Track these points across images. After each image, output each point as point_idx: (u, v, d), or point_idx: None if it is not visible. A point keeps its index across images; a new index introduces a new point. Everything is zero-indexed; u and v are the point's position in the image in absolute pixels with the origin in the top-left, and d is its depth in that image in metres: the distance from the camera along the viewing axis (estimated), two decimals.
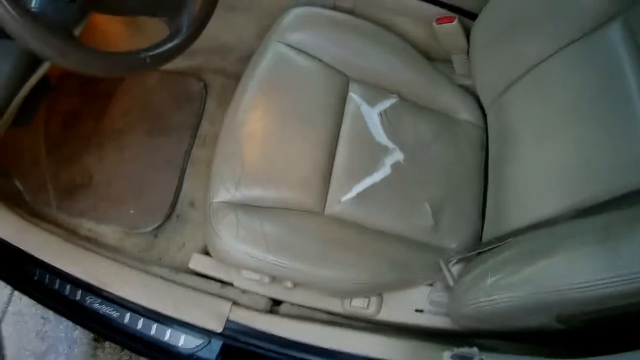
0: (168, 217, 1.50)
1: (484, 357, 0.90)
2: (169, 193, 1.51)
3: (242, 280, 1.29)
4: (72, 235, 1.44)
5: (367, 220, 1.21)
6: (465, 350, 0.93)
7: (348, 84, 1.33)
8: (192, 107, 1.62)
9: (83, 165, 1.56)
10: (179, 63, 1.61)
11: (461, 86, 1.44)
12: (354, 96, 1.31)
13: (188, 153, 1.57)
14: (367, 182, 1.23)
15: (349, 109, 1.29)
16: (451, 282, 1.16)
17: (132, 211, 1.50)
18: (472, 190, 1.32)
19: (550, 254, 0.88)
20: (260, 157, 1.20)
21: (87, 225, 1.50)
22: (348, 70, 1.34)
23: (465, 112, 1.40)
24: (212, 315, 1.20)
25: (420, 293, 1.23)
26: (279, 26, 1.35)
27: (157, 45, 1.01)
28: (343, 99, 1.31)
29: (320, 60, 1.33)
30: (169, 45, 1.02)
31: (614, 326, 0.94)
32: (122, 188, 1.53)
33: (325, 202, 1.21)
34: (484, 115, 1.39)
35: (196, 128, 1.60)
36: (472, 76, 1.39)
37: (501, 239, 1.09)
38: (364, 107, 1.30)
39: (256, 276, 1.23)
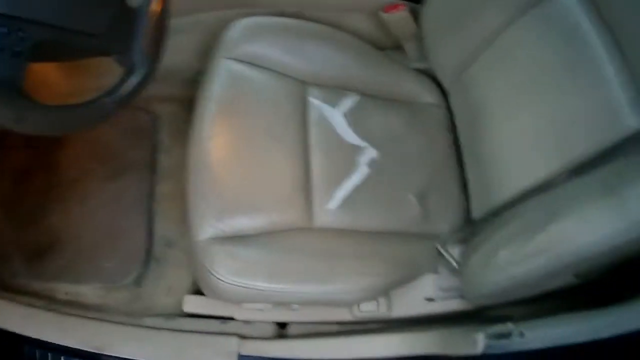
0: (147, 262, 1.41)
1: (522, 329, 0.90)
2: (141, 237, 1.43)
3: (243, 311, 1.25)
4: (51, 302, 1.34)
5: (357, 223, 1.18)
6: (499, 328, 0.93)
7: (306, 90, 1.28)
8: (145, 141, 1.54)
9: (46, 224, 1.45)
10: None
11: (417, 70, 1.42)
12: (315, 101, 1.27)
13: (151, 191, 1.49)
14: (348, 185, 1.20)
15: (312, 115, 1.25)
16: (455, 265, 1.16)
17: (108, 264, 1.41)
18: (450, 171, 1.31)
19: (559, 217, 0.89)
20: (236, 184, 1.14)
21: (64, 289, 1.39)
22: (303, 75, 1.29)
23: (427, 96, 1.38)
24: (222, 355, 1.15)
25: (427, 282, 1.22)
26: (224, 42, 1.27)
27: (118, 87, 0.93)
28: (304, 107, 1.26)
29: (273, 71, 1.27)
30: (130, 84, 0.95)
31: (625, 272, 0.97)
32: (92, 242, 1.43)
33: (312, 215, 1.16)
34: (445, 96, 1.38)
35: (154, 163, 1.52)
36: (427, 58, 1.37)
37: (496, 213, 1.09)
38: (327, 111, 1.26)
39: (259, 305, 1.19)
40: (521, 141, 1.08)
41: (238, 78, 1.24)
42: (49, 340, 1.16)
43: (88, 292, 1.39)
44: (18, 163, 1.51)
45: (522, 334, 0.90)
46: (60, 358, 1.15)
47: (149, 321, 1.27)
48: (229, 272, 1.05)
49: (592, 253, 0.85)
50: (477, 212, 1.21)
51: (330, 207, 1.17)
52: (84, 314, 1.24)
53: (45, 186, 1.49)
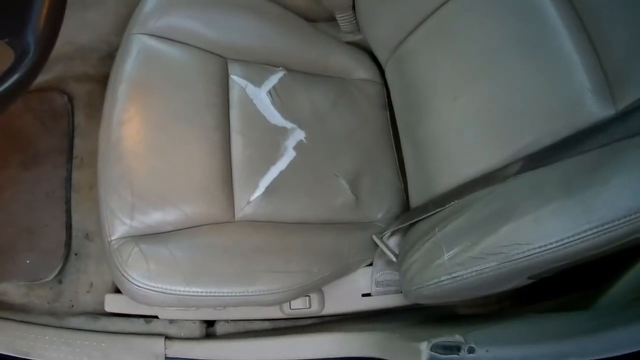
0: (66, 257, 1.28)
1: (473, 344, 0.78)
2: (60, 230, 1.29)
3: (167, 310, 1.12)
4: None
5: (284, 214, 1.05)
6: (445, 339, 0.80)
7: (227, 66, 1.13)
8: (60, 125, 1.37)
9: None
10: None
11: (350, 44, 1.27)
12: (236, 79, 1.11)
13: (68, 179, 1.33)
14: (273, 172, 1.06)
15: (234, 94, 1.10)
16: (393, 258, 1.04)
17: (28, 261, 1.27)
18: (385, 153, 1.19)
19: (514, 216, 0.76)
20: (150, 176, 0.99)
21: None
22: (224, 51, 1.13)
23: (360, 71, 1.24)
24: (148, 357, 1.06)
25: (362, 276, 1.10)
26: (139, 15, 1.10)
27: (4, 79, 0.79)
28: (225, 85, 1.10)
29: (191, 46, 1.10)
30: (18, 74, 0.81)
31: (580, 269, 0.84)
32: (11, 237, 1.29)
33: (234, 207, 1.02)
34: (381, 70, 1.23)
35: (70, 149, 1.36)
36: (362, 31, 1.22)
37: (439, 203, 0.94)
38: (250, 89, 1.11)
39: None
40: (465, 124, 0.94)
41: (152, 55, 1.07)
42: None
43: (11, 290, 1.27)
44: None
45: (472, 350, 0.78)
46: None
47: (73, 322, 1.17)
48: (142, 276, 0.91)
49: (551, 258, 0.72)
50: (415, 199, 1.07)
51: (254, 197, 1.03)
52: (9, 316, 1.15)
53: None
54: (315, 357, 1.02)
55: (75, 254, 1.29)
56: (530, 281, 0.87)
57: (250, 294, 0.95)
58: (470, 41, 0.94)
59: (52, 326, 1.14)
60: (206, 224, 1.00)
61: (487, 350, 0.75)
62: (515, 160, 0.84)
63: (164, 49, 1.09)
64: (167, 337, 1.10)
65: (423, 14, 1.03)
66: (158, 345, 1.08)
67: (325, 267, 1.01)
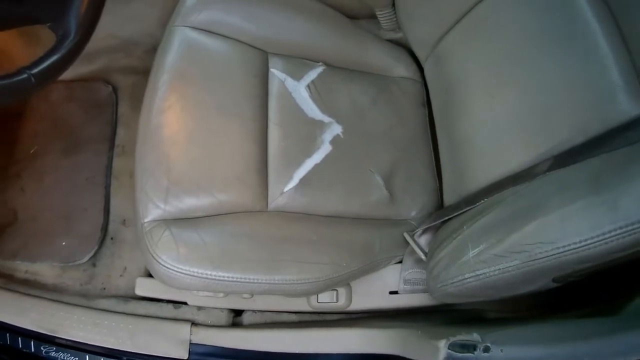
0: (102, 241, 1.27)
1: (490, 343, 0.74)
2: (98, 215, 1.29)
3: (196, 297, 1.11)
4: (9, 281, 1.23)
5: (317, 206, 1.02)
6: (463, 337, 0.77)
7: (267, 60, 1.12)
8: (104, 115, 1.38)
9: (4, 200, 1.32)
10: (80, 69, 1.39)
11: (391, 41, 1.25)
12: (276, 72, 1.10)
13: (109, 167, 1.34)
14: (308, 164, 1.04)
15: (273, 87, 1.09)
16: (422, 256, 1.00)
17: (64, 243, 1.27)
18: (421, 151, 1.15)
19: (539, 214, 0.72)
20: (186, 162, 0.98)
21: (22, 267, 1.27)
22: (265, 44, 1.12)
23: (400, 68, 1.22)
24: (173, 342, 1.04)
25: (391, 273, 1.07)
26: (182, 8, 1.10)
27: (43, 59, 0.80)
28: (265, 78, 1.09)
29: (232, 39, 1.10)
30: (57, 56, 0.82)
31: (607, 275, 0.79)
32: (49, 220, 1.29)
33: (267, 197, 1.01)
34: (421, 69, 1.21)
35: (112, 137, 1.37)
36: (402, 28, 1.19)
37: (470, 201, 0.91)
38: (289, 83, 1.10)
39: (209, 293, 1.06)
40: (500, 122, 0.91)
41: (194, 47, 1.07)
42: (7, 322, 1.07)
43: (45, 271, 1.28)
44: None
45: (487, 349, 0.74)
46: (17, 338, 1.06)
47: (103, 303, 1.15)
48: (171, 258, 0.90)
49: (572, 257, 0.67)
50: (449, 197, 1.04)
51: (288, 188, 1.01)
52: (41, 295, 1.14)
53: (3, 161, 1.36)
54: (336, 352, 0.99)
55: (112, 239, 1.29)
56: (555, 284, 0.82)
57: (276, 282, 0.93)
58: (504, 39, 0.92)
59: (81, 306, 1.13)
60: (238, 212, 0.99)
61: (501, 350, 0.72)
62: (546, 158, 0.81)
63: (205, 41, 1.09)
64: (194, 324, 1.07)
65: (460, 12, 1.00)
66: (184, 331, 1.06)
67: (354, 262, 0.98)
